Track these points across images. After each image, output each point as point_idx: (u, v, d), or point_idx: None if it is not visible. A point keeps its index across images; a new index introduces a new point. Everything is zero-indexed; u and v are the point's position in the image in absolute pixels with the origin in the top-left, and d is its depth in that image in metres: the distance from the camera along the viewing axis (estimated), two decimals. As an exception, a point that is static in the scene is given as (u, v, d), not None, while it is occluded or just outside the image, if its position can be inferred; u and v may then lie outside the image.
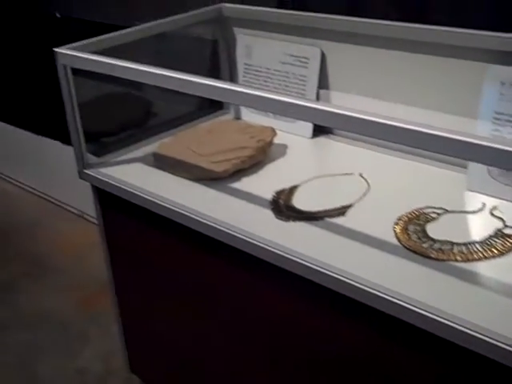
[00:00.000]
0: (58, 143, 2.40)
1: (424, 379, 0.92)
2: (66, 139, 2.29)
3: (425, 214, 1.04)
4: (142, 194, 1.20)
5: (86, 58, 1.19)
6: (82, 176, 1.32)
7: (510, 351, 0.76)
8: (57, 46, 1.24)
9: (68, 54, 1.22)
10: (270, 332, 1.12)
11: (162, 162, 1.28)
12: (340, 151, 1.30)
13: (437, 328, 0.82)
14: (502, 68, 1.05)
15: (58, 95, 1.30)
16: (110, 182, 1.26)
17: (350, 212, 1.08)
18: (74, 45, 1.26)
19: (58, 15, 2.15)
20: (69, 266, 2.16)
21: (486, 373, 0.83)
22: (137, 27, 1.39)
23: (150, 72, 1.09)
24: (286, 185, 1.17)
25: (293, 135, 1.36)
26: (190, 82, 1.03)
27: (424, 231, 0.99)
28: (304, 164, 1.26)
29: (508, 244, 0.94)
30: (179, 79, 1.05)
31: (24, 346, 1.81)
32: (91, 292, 2.00)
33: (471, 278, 0.89)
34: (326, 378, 1.06)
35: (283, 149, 1.31)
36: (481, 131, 1.06)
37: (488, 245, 0.94)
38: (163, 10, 1.77)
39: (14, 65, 2.55)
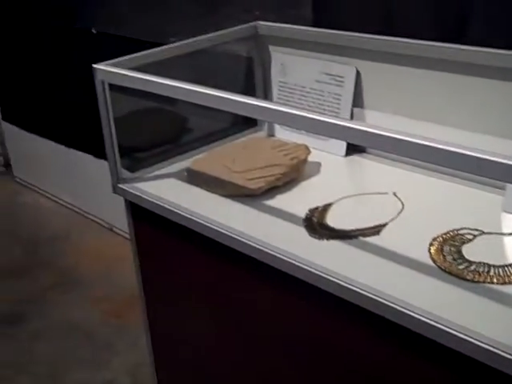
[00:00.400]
0: (90, 157, 2.43)
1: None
2: (98, 153, 2.33)
3: (460, 235, 1.03)
4: (175, 210, 1.21)
5: (124, 74, 1.21)
6: (116, 190, 1.33)
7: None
8: (91, 61, 1.27)
9: (106, 70, 1.24)
10: (303, 349, 1.11)
11: (195, 178, 1.29)
12: (374, 170, 1.30)
13: (473, 351, 0.81)
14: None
15: (91, 109, 1.32)
16: (144, 196, 1.27)
17: (384, 231, 1.07)
18: (112, 61, 1.27)
19: (94, 31, 2.19)
20: (97, 277, 2.18)
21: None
22: (173, 44, 1.41)
23: (184, 88, 1.10)
24: (320, 203, 1.17)
25: (326, 153, 1.36)
26: (225, 98, 1.04)
27: (460, 252, 0.98)
28: (338, 182, 1.26)
29: (546, 267, 0.93)
30: (214, 96, 1.06)
31: (53, 356, 1.83)
32: (119, 304, 2.01)
33: (509, 301, 0.88)
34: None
35: (317, 167, 1.31)
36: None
37: (526, 268, 0.93)
38: (198, 27, 1.79)
39: (49, 79, 2.59)
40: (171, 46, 1.40)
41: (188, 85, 1.10)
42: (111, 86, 1.26)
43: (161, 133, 1.52)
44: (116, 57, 1.30)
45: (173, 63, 1.38)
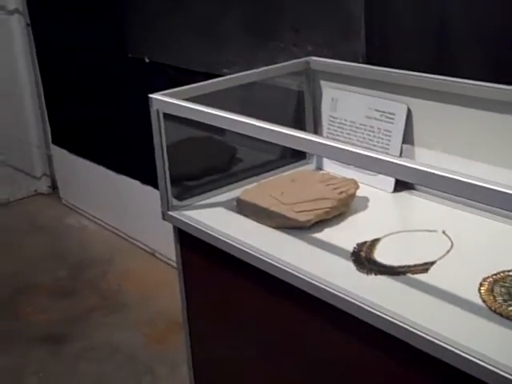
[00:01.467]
0: (137, 182, 2.48)
1: None
2: (145, 179, 2.38)
3: (511, 276, 1.03)
4: (223, 238, 1.23)
5: (179, 105, 1.25)
6: (166, 217, 1.36)
7: None
8: (143, 89, 1.30)
9: (162, 100, 1.27)
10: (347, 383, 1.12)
11: (244, 209, 1.31)
12: (422, 207, 1.30)
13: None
14: None
15: (140, 136, 1.36)
16: (193, 224, 1.29)
17: (432, 269, 1.07)
18: (167, 91, 1.31)
19: (146, 60, 2.24)
20: (139, 301, 2.21)
21: None
22: (226, 77, 1.45)
23: (235, 120, 1.14)
24: (368, 238, 1.18)
25: (374, 188, 1.37)
26: (275, 131, 1.07)
27: (510, 294, 0.98)
28: (386, 218, 1.26)
29: None
30: (264, 128, 1.08)
31: (95, 377, 1.85)
32: (161, 329, 2.03)
33: (561, 346, 0.87)
34: None
35: (365, 202, 1.32)
36: None
37: None
38: (250, 59, 1.83)
39: (100, 104, 2.65)
40: (225, 78, 1.44)
41: (239, 116, 1.13)
42: (165, 115, 1.30)
43: (210, 163, 1.55)
44: (167, 85, 1.34)
45: (225, 95, 1.42)
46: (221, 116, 1.17)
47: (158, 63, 2.20)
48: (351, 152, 0.96)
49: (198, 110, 1.21)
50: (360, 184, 1.33)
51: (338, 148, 0.98)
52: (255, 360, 1.31)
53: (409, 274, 1.06)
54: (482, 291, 0.99)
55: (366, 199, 1.33)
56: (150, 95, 1.29)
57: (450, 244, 1.14)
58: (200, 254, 1.34)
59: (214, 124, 1.20)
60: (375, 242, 1.17)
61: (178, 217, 1.33)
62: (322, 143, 1.01)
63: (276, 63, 1.57)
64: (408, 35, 1.47)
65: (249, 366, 1.34)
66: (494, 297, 0.98)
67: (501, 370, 0.83)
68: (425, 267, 1.08)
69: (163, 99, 1.28)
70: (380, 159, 0.93)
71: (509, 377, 0.82)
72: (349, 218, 1.26)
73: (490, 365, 0.84)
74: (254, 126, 1.10)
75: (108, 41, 2.46)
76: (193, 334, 1.47)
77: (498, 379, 0.83)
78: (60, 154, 3.07)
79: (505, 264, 1.06)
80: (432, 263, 1.09)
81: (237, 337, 1.34)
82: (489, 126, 1.22)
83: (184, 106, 1.24)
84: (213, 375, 1.47)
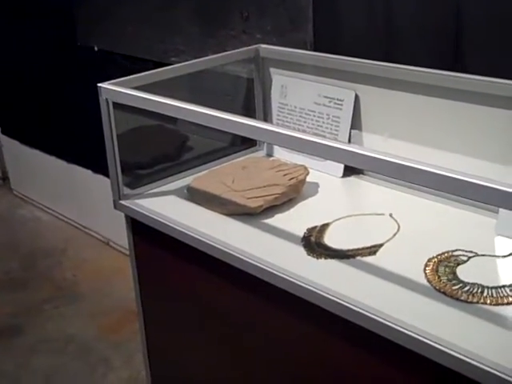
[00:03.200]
0: (89, 172, 2.46)
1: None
2: (97, 168, 2.36)
3: (455, 256, 1.06)
4: (175, 226, 1.23)
5: (128, 94, 1.24)
6: (117, 206, 1.36)
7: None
8: (92, 78, 1.30)
9: (110, 89, 1.27)
10: (301, 366, 1.14)
11: (195, 196, 1.32)
12: (370, 191, 1.33)
13: (464, 369, 0.84)
14: (534, 117, 1.08)
15: (91, 126, 1.35)
16: (144, 212, 1.29)
17: (380, 252, 1.10)
18: (117, 80, 1.30)
19: (95, 49, 2.22)
20: (94, 292, 2.20)
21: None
22: (176, 65, 1.44)
23: (185, 108, 1.14)
24: (318, 222, 1.20)
25: (324, 174, 1.39)
26: (225, 119, 1.07)
27: (454, 273, 1.01)
28: (335, 203, 1.29)
29: (537, 289, 0.96)
30: (214, 116, 1.09)
31: (49, 369, 1.84)
32: (116, 319, 2.03)
33: (500, 321, 0.91)
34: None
35: (315, 187, 1.34)
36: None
37: (517, 289, 0.96)
38: (199, 47, 1.83)
39: (50, 95, 2.62)
40: (174, 66, 1.44)
41: (187, 104, 1.13)
42: (114, 104, 1.29)
43: (162, 151, 1.55)
44: (117, 74, 1.33)
45: (175, 83, 1.42)
46: (170, 104, 1.17)
47: (108, 52, 2.18)
48: (300, 139, 0.98)
49: (146, 99, 1.21)
50: (310, 170, 1.34)
51: (287, 135, 0.99)
52: (210, 346, 1.32)
53: (357, 257, 1.09)
54: (427, 271, 1.02)
55: (315, 185, 1.35)
56: (99, 84, 1.29)
57: (396, 227, 1.17)
58: (152, 243, 1.35)
59: (163, 112, 1.20)
60: (325, 226, 1.19)
61: (130, 205, 1.33)
62: (271, 130, 1.02)
63: (225, 51, 1.58)
64: (355, 24, 1.49)
65: (204, 352, 1.35)
66: (439, 276, 1.01)
67: (443, 346, 0.86)
68: (373, 250, 1.10)
69: (112, 88, 1.27)
70: (328, 146, 0.94)
71: (451, 353, 0.85)
72: (299, 204, 1.28)
73: (434, 342, 0.87)
74: (203, 114, 1.11)
75: (57, 29, 2.42)
76: (147, 322, 1.47)
77: (441, 355, 0.86)
78: (10, 144, 3.02)
79: (449, 245, 1.09)
80: (380, 246, 1.11)
81: (191, 324, 1.35)
82: (434, 111, 1.24)
83: (133, 95, 1.24)
84: (168, 363, 1.47)
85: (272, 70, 1.51)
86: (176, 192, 1.37)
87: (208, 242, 1.17)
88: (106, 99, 1.28)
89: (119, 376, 1.80)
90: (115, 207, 1.36)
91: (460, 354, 0.84)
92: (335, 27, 1.52)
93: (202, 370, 1.37)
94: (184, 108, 1.14)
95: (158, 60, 1.94)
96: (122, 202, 1.34)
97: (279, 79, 1.49)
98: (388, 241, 1.13)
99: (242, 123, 1.05)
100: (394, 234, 1.15)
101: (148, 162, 1.51)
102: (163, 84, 1.37)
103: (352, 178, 1.38)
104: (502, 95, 1.13)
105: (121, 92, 1.26)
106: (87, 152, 2.34)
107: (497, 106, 1.14)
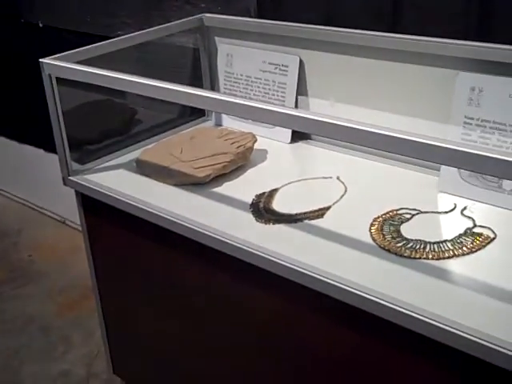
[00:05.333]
0: (40, 151, 2.43)
1: (394, 371, 0.96)
2: (48, 147, 2.33)
3: (399, 214, 1.08)
4: (124, 199, 1.23)
5: (71, 68, 1.22)
6: (67, 182, 1.35)
7: (478, 343, 0.80)
8: (38, 55, 1.27)
9: (53, 64, 1.25)
10: (252, 329, 1.15)
11: (144, 168, 1.32)
12: (318, 156, 1.34)
13: (408, 322, 0.86)
14: (471, 75, 1.10)
15: (40, 104, 1.33)
16: (94, 187, 1.29)
17: (328, 214, 1.12)
18: (59, 55, 1.28)
19: (40, 25, 2.18)
20: (51, 271, 2.18)
21: (452, 363, 0.87)
22: (120, 38, 1.43)
23: (131, 81, 1.12)
24: (266, 189, 1.21)
25: (272, 141, 1.40)
26: (172, 90, 1.07)
27: (398, 231, 1.03)
28: (283, 168, 1.30)
29: (477, 242, 0.99)
30: (161, 88, 1.08)
31: (8, 350, 1.83)
32: (74, 297, 2.02)
33: (442, 275, 0.93)
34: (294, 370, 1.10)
35: (263, 154, 1.35)
36: (452, 135, 1.11)
37: (458, 243, 0.99)
38: (145, 20, 1.81)
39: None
40: (118, 39, 1.42)
41: (134, 77, 1.12)
42: (60, 80, 1.28)
43: (110, 125, 1.53)
44: (63, 50, 1.31)
45: (120, 56, 1.40)
46: (113, 77, 1.15)
47: (52, 27, 2.14)
48: (247, 106, 0.98)
49: (89, 73, 1.19)
50: (258, 137, 1.35)
51: (234, 103, 0.99)
52: (168, 319, 1.33)
53: (306, 221, 1.10)
54: (373, 230, 1.04)
55: (264, 151, 1.35)
56: (41, 60, 1.27)
57: (344, 189, 1.19)
58: (104, 218, 1.34)
59: (108, 86, 1.19)
60: (273, 192, 1.20)
61: (79, 181, 1.32)
62: (217, 99, 1.02)
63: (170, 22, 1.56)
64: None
65: (161, 324, 1.36)
66: (384, 235, 1.03)
67: (388, 302, 0.88)
68: (320, 212, 1.12)
69: (54, 63, 1.25)
70: (275, 111, 0.94)
71: (393, 307, 0.87)
72: (248, 171, 1.29)
73: (378, 298, 0.89)
74: (150, 85, 1.10)
75: (0, 5, 2.37)
76: (104, 297, 1.47)
77: (384, 310, 0.88)
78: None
79: (394, 204, 1.11)
80: (327, 208, 1.13)
81: (146, 296, 1.36)
82: (376, 73, 1.26)
83: (76, 69, 1.22)
84: (127, 337, 1.48)
85: (217, 39, 1.51)
86: (125, 165, 1.36)
87: (157, 213, 1.17)
88: (49, 75, 1.26)
89: (79, 353, 1.80)
90: (64, 183, 1.35)
91: (403, 308, 0.87)
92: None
93: (161, 341, 1.38)
94: (128, 80, 1.13)
95: (104, 34, 1.91)
96: (71, 178, 1.33)
97: (225, 48, 1.49)
98: (335, 203, 1.15)
99: (189, 93, 1.05)
100: (341, 196, 1.17)
101: (96, 137, 1.49)
102: (108, 58, 1.36)
103: (300, 144, 1.39)
104: (440, 54, 1.14)
105: (63, 67, 1.24)
106: (37, 131, 2.30)
107: (435, 65, 1.16)
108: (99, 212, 1.34)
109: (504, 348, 0.79)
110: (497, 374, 0.81)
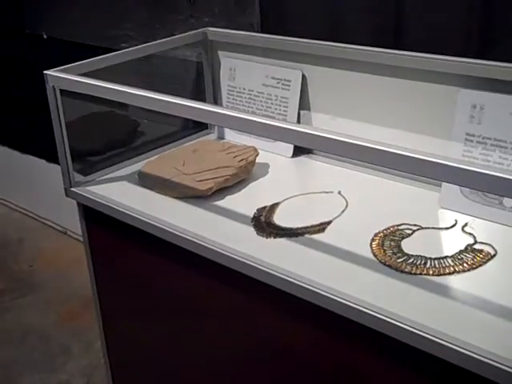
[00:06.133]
0: (43, 161, 2.44)
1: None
2: (51, 157, 2.34)
3: (400, 230, 1.08)
4: (126, 211, 1.23)
5: (75, 80, 1.23)
6: (69, 194, 1.35)
7: (477, 359, 0.80)
8: (42, 66, 1.29)
9: (57, 76, 1.26)
10: (255, 346, 1.15)
11: (147, 181, 1.32)
12: (320, 170, 1.35)
13: (408, 337, 0.87)
14: (473, 92, 1.10)
15: (44, 115, 1.34)
16: (96, 199, 1.29)
17: (329, 228, 1.12)
18: (63, 67, 1.29)
19: (44, 36, 2.19)
20: (52, 282, 2.19)
21: (455, 381, 0.88)
22: (124, 50, 1.44)
23: (134, 94, 1.13)
24: (268, 202, 1.21)
25: (274, 155, 1.40)
26: (174, 103, 1.07)
27: (399, 247, 1.04)
28: (285, 182, 1.30)
29: (477, 259, 0.99)
30: (163, 101, 1.09)
31: (8, 359, 1.83)
32: (74, 307, 2.03)
33: (442, 291, 0.93)
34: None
35: (265, 168, 1.35)
36: (453, 152, 1.12)
37: (459, 259, 0.99)
38: (149, 33, 1.83)
39: (1, 84, 2.58)
40: (122, 51, 1.43)
41: (137, 90, 1.13)
42: (64, 91, 1.28)
43: (113, 137, 1.54)
44: (67, 61, 1.32)
45: (124, 69, 1.41)
46: (116, 90, 1.16)
47: (57, 39, 2.16)
48: (249, 121, 0.98)
49: (93, 85, 1.20)
50: (260, 151, 1.36)
51: (237, 117, 1.00)
52: (168, 331, 1.33)
53: (306, 235, 1.11)
54: (374, 246, 1.05)
55: (266, 165, 1.36)
56: (45, 71, 1.28)
57: (345, 204, 1.19)
58: (106, 229, 1.35)
59: (111, 98, 1.20)
60: (275, 206, 1.20)
61: (81, 192, 1.33)
62: (219, 113, 1.03)
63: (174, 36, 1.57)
64: (299, 4, 1.51)
65: (162, 337, 1.36)
66: (384, 250, 1.03)
67: (387, 316, 0.88)
68: (321, 227, 1.12)
69: (58, 75, 1.26)
70: (277, 126, 0.95)
71: (393, 322, 0.88)
72: (250, 185, 1.29)
73: (380, 314, 0.89)
74: (152, 98, 1.11)
75: (5, 17, 2.38)
76: (104, 309, 1.47)
77: (387, 326, 0.89)
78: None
79: (395, 219, 1.11)
80: (328, 223, 1.13)
81: (147, 309, 1.36)
82: (379, 89, 1.27)
83: (80, 82, 1.23)
84: (127, 348, 1.48)
85: (220, 52, 1.52)
86: (127, 177, 1.37)
87: (159, 225, 1.17)
88: (53, 86, 1.27)
89: (79, 364, 1.80)
90: (66, 195, 1.36)
91: (401, 322, 0.87)
92: (281, 8, 1.54)
93: (161, 353, 1.38)
94: (132, 93, 1.14)
95: (108, 46, 1.92)
96: (73, 189, 1.34)
97: (228, 62, 1.50)
98: (336, 218, 1.15)
99: (191, 107, 1.05)
100: (343, 211, 1.17)
101: (99, 149, 1.50)
102: (112, 70, 1.37)
103: (302, 158, 1.40)
104: (442, 71, 1.15)
105: (67, 79, 1.25)
106: (40, 141, 2.31)
107: (437, 82, 1.17)
108: (101, 223, 1.34)
109: (501, 364, 0.79)
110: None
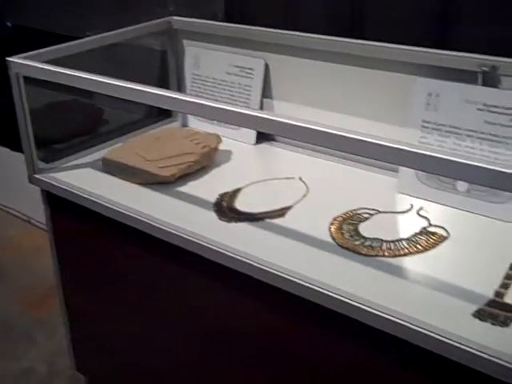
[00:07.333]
0: (7, 150, 2.42)
1: (350, 365, 0.99)
2: (14, 146, 2.32)
3: (358, 214, 1.11)
4: (90, 197, 1.24)
5: (38, 67, 1.23)
6: (32, 180, 1.35)
7: (425, 334, 0.84)
8: (6, 54, 1.28)
9: (20, 63, 1.26)
10: (215, 328, 1.17)
11: (110, 167, 1.33)
12: (282, 157, 1.37)
13: (363, 316, 0.89)
14: (428, 81, 1.14)
15: (6, 103, 1.34)
16: (59, 185, 1.29)
17: (289, 213, 1.14)
18: (27, 54, 1.29)
19: (8, 24, 2.18)
20: (16, 270, 2.18)
21: (408, 358, 0.90)
22: (89, 38, 1.44)
23: (99, 81, 1.14)
24: (230, 188, 1.23)
25: (237, 142, 1.42)
26: (138, 90, 1.08)
27: (356, 230, 1.07)
28: (247, 169, 1.32)
29: (431, 241, 1.02)
30: (127, 88, 1.09)
31: (-30, 349, 1.83)
32: (38, 295, 2.02)
33: (396, 271, 0.96)
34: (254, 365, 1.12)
35: (228, 154, 1.37)
36: (410, 138, 1.15)
37: (413, 241, 1.02)
38: (114, 21, 1.82)
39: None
40: (86, 39, 1.43)
41: (101, 77, 1.13)
42: (28, 79, 1.28)
43: (77, 124, 1.55)
44: (33, 50, 1.32)
45: (89, 57, 1.41)
46: (80, 77, 1.16)
47: (21, 27, 2.14)
48: (212, 107, 1.00)
49: (58, 72, 1.20)
50: (224, 138, 1.38)
51: (199, 104, 1.01)
52: (131, 317, 1.34)
53: (267, 219, 1.13)
54: (332, 229, 1.07)
55: (229, 152, 1.38)
56: (8, 58, 1.27)
57: (305, 189, 1.22)
58: (69, 216, 1.35)
59: (76, 86, 1.19)
60: (237, 191, 1.22)
61: (45, 179, 1.33)
62: (183, 100, 1.03)
63: (139, 24, 1.58)
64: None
65: (125, 323, 1.37)
66: (343, 234, 1.06)
67: (345, 297, 0.91)
68: (282, 212, 1.15)
69: (22, 62, 1.26)
70: (240, 113, 0.96)
71: (351, 302, 0.90)
72: (212, 171, 1.31)
73: (337, 294, 0.92)
74: (116, 85, 1.11)
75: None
76: (68, 296, 1.48)
77: (344, 305, 0.91)
78: None
79: (354, 204, 1.14)
80: (289, 208, 1.16)
81: (111, 296, 1.37)
82: (338, 77, 1.29)
83: (43, 69, 1.23)
84: (90, 335, 1.49)
85: (185, 41, 1.53)
86: (91, 164, 1.37)
87: (122, 211, 1.18)
88: (16, 73, 1.27)
89: (42, 351, 1.80)
90: (30, 181, 1.36)
91: (356, 301, 0.90)
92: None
93: (123, 338, 1.39)
94: (97, 80, 1.14)
95: (73, 35, 1.91)
96: (37, 175, 1.34)
97: (192, 50, 1.51)
98: (297, 203, 1.17)
99: (155, 94, 1.06)
100: (303, 196, 1.19)
101: (63, 136, 1.51)
102: (77, 58, 1.37)
103: (264, 145, 1.42)
104: (399, 60, 1.18)
105: (31, 66, 1.25)
106: (3, 130, 2.30)
107: (394, 70, 1.20)
108: (64, 210, 1.35)
109: (451, 340, 0.82)
110: (445, 366, 0.85)
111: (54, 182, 1.31)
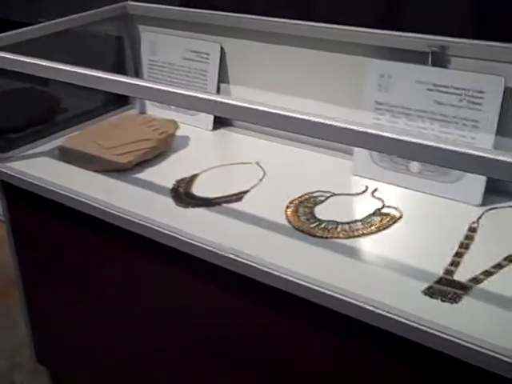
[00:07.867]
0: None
1: (299, 342, 1.00)
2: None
3: (314, 197, 1.12)
4: (47, 186, 1.23)
5: (-11, 54, 1.21)
6: (-13, 170, 1.34)
7: (376, 313, 0.85)
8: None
9: (-30, 50, 1.24)
10: (177, 313, 1.17)
11: (67, 155, 1.32)
12: (239, 142, 1.37)
13: (317, 297, 0.90)
14: (381, 62, 1.14)
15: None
16: (16, 175, 1.28)
17: (246, 197, 1.15)
18: (-23, 41, 1.27)
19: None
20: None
21: (360, 335, 0.92)
22: (42, 24, 1.42)
23: (54, 68, 1.12)
24: (187, 174, 1.23)
25: (195, 127, 1.42)
26: (94, 77, 1.07)
27: (312, 213, 1.07)
28: (205, 154, 1.32)
29: (385, 222, 1.03)
30: (83, 74, 1.08)
31: None
32: (-2, 288, 2.00)
33: (351, 252, 0.98)
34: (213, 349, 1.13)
35: (185, 140, 1.37)
36: (364, 120, 1.16)
37: (368, 223, 1.03)
38: (68, 7, 1.80)
39: None
40: (40, 25, 1.41)
41: (57, 64, 1.12)
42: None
43: (34, 113, 1.53)
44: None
45: (43, 43, 1.39)
46: (37, 64, 1.14)
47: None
48: (169, 92, 0.99)
49: (11, 59, 1.19)
50: (181, 124, 1.37)
51: (156, 89, 1.01)
52: (93, 308, 1.34)
53: (224, 204, 1.13)
54: (288, 213, 1.08)
55: (186, 138, 1.37)
56: (-42, 46, 1.25)
57: (262, 174, 1.22)
58: (26, 206, 1.34)
59: (30, 73, 1.18)
60: (194, 177, 1.22)
61: (0, 169, 1.31)
62: (139, 85, 1.03)
63: (94, 10, 1.56)
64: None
65: (87, 315, 1.36)
66: (298, 217, 1.06)
67: (299, 279, 0.92)
68: (239, 196, 1.15)
69: (-29, 50, 1.24)
70: (196, 97, 0.96)
71: (306, 284, 0.91)
72: (170, 157, 1.31)
73: (291, 276, 0.93)
74: (72, 72, 1.10)
75: None
76: (28, 288, 1.46)
77: (298, 287, 0.92)
78: None
79: (310, 187, 1.15)
80: (245, 192, 1.16)
81: (72, 286, 1.36)
82: (293, 60, 1.30)
83: (-5, 56, 1.21)
84: (52, 328, 1.48)
85: (141, 27, 1.52)
86: (48, 153, 1.36)
87: (78, 199, 1.18)
88: (-33, 61, 1.25)
89: (3, 345, 1.78)
90: (-15, 171, 1.34)
91: (311, 283, 0.90)
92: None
93: (86, 331, 1.39)
94: (52, 67, 1.12)
95: (25, 21, 1.88)
96: (-8, 165, 1.32)
97: (148, 36, 1.50)
98: (254, 187, 1.18)
99: (111, 79, 1.05)
100: (260, 180, 1.20)
101: (19, 125, 1.48)
102: (31, 45, 1.35)
103: (222, 131, 1.42)
104: (352, 42, 1.19)
105: (-19, 53, 1.23)
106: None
107: (347, 52, 1.21)
108: (21, 200, 1.33)
109: (401, 317, 0.83)
110: (396, 343, 0.86)
111: (10, 172, 1.30)
